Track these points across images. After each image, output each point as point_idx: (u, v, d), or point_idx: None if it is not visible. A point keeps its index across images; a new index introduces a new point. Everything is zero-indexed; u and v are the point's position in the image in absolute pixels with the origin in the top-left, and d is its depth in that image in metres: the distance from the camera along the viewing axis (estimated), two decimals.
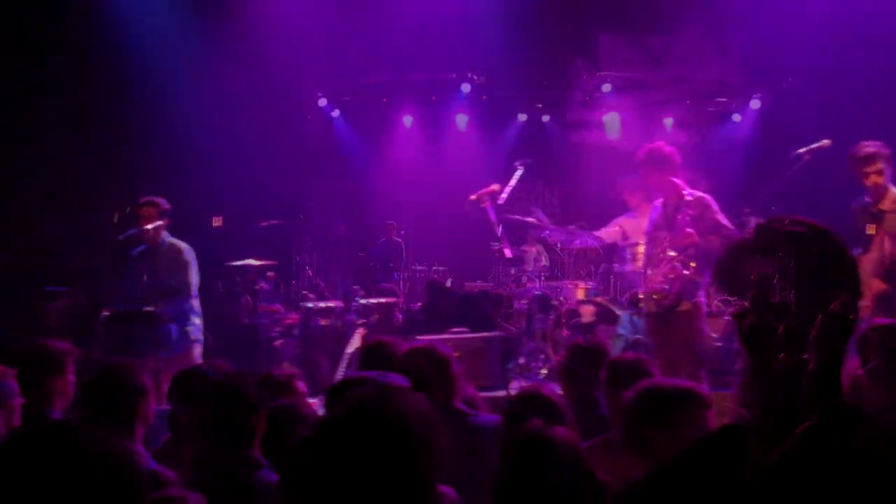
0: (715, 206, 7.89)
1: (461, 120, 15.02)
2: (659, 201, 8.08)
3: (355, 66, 13.86)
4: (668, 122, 14.43)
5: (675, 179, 7.80)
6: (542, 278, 10.52)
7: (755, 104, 14.09)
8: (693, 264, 7.63)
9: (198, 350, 8.73)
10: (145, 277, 8.53)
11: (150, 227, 8.53)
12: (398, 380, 3.69)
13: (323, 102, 14.63)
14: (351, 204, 14.86)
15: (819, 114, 11.11)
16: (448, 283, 11.32)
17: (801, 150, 7.76)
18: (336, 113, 14.88)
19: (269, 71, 12.49)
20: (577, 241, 10.33)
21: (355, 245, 14.40)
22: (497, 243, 7.68)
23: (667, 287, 7.68)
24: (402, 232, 13.09)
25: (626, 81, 14.18)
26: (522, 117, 15.10)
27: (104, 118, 11.79)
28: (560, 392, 5.14)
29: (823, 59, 11.86)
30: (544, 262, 12.55)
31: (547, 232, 10.49)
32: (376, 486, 2.26)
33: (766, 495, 2.31)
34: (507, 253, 7.75)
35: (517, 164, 8.58)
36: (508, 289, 12.40)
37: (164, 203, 8.73)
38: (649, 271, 7.93)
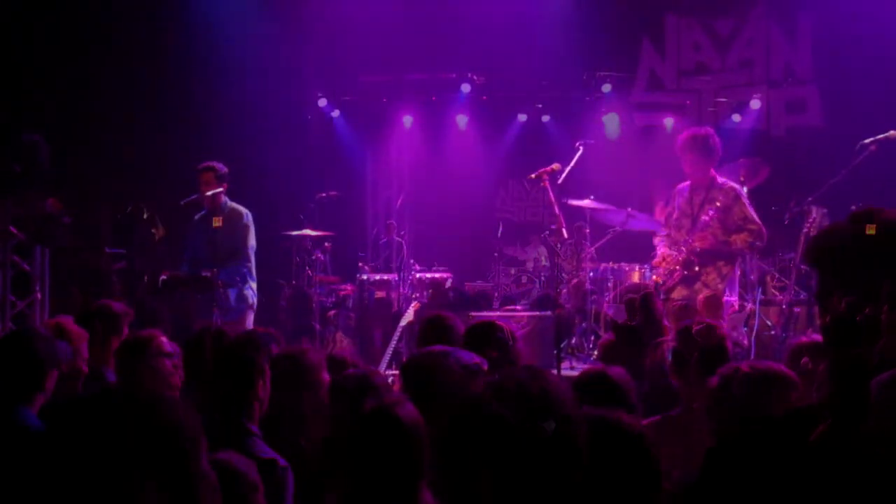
0: (745, 198, 7.89)
1: (461, 120, 14.89)
2: (685, 185, 8.06)
3: (355, 66, 13.87)
4: (668, 122, 14.08)
5: (712, 173, 7.84)
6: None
7: (755, 104, 13.66)
8: (697, 268, 7.67)
9: (251, 316, 8.78)
10: (206, 241, 8.56)
11: (209, 193, 8.54)
12: (470, 356, 3.65)
13: (323, 102, 14.56)
14: (351, 204, 14.85)
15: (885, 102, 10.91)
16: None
17: (868, 141, 7.68)
18: (336, 113, 14.80)
19: (269, 70, 12.54)
20: (635, 224, 10.24)
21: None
22: (554, 223, 7.61)
23: (666, 278, 7.80)
24: (402, 232, 13.00)
25: (695, 65, 13.94)
26: (522, 117, 14.92)
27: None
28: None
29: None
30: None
31: (605, 213, 10.42)
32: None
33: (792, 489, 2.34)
34: (565, 234, 7.69)
35: (578, 144, 8.49)
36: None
37: (221, 167, 8.66)
38: (667, 256, 7.98)
